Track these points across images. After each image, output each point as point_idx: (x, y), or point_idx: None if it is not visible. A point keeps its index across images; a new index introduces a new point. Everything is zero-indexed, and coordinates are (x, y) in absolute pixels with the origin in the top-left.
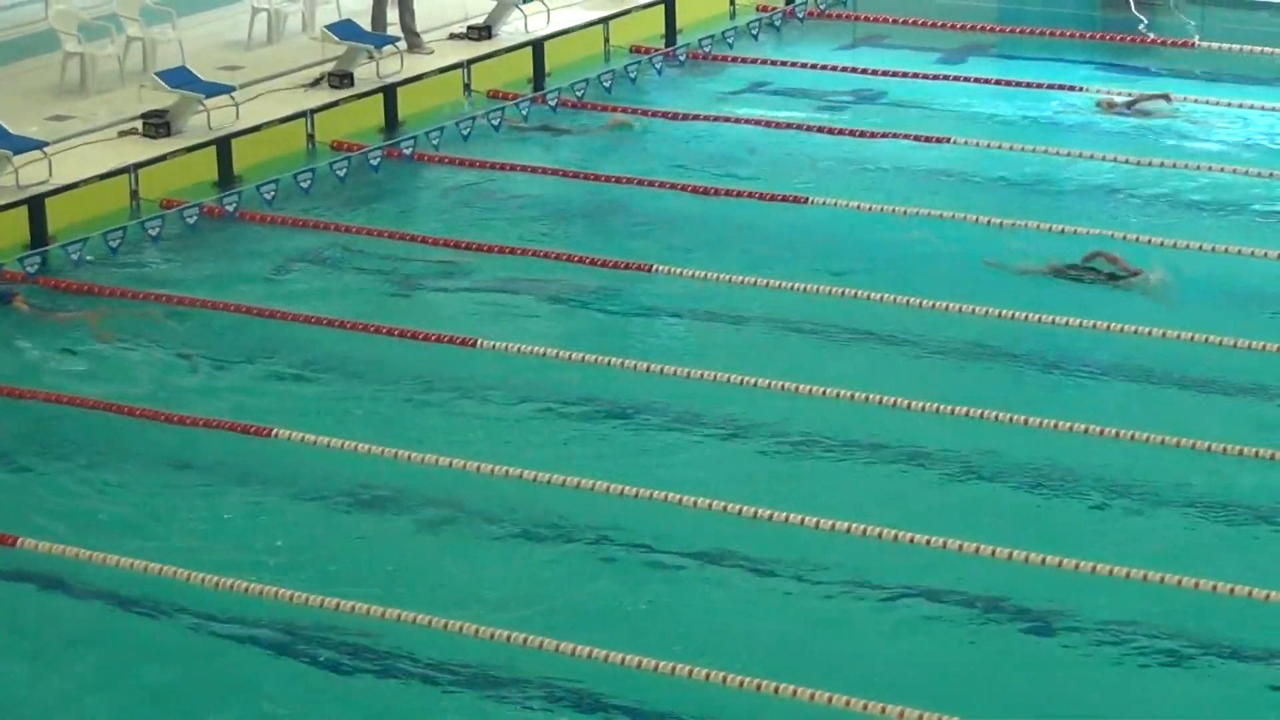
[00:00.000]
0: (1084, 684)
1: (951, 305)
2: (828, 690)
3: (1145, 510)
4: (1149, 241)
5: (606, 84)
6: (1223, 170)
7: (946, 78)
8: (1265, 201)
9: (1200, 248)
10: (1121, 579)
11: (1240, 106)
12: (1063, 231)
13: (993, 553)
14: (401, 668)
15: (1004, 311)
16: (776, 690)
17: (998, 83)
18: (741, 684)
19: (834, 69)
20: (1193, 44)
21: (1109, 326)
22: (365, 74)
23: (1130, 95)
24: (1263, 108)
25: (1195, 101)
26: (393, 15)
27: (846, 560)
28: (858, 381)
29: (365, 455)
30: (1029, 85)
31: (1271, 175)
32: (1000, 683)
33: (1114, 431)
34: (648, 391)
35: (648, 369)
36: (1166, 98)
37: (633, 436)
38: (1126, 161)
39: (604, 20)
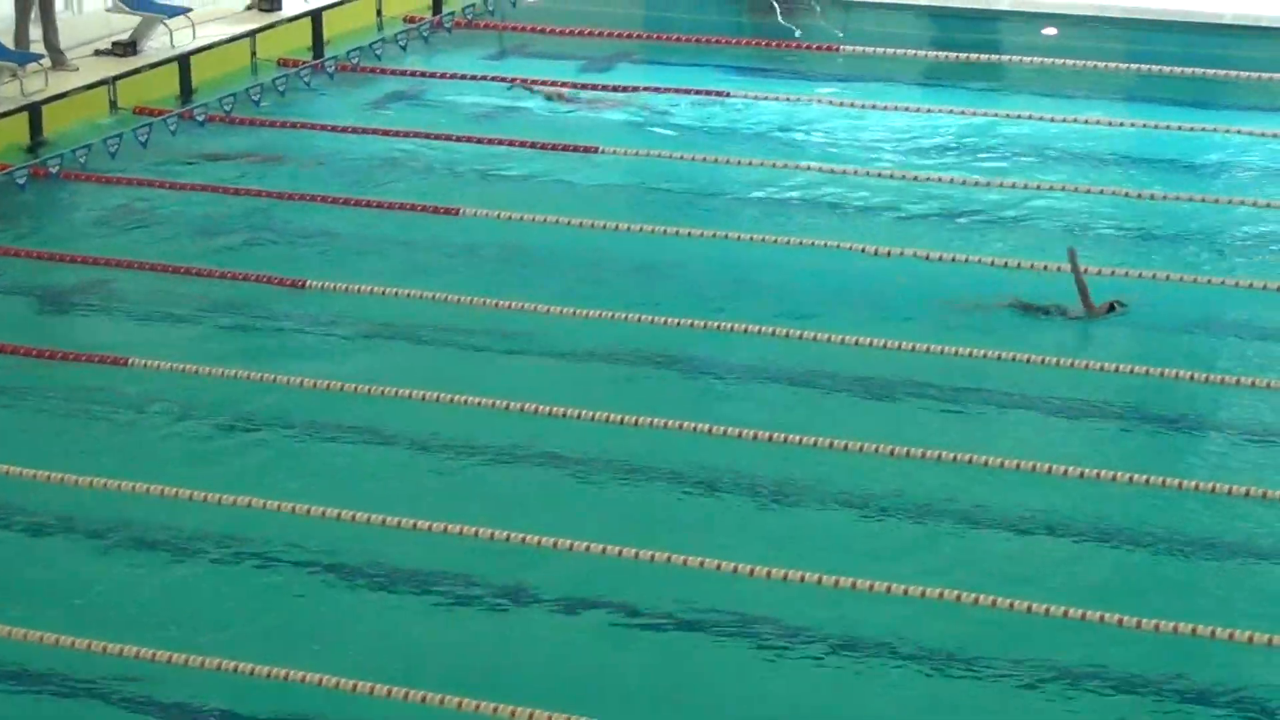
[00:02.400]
0: (754, 690)
1: (605, 313)
2: (521, 705)
3: (798, 511)
4: (796, 243)
5: (255, 98)
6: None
7: (594, 86)
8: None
9: (815, 243)
10: (796, 583)
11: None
12: (714, 236)
13: (635, 554)
14: (36, 688)
15: (669, 320)
16: (463, 705)
17: (645, 90)
18: (406, 695)
19: (482, 79)
20: (838, 49)
21: (760, 330)
22: (9, 92)
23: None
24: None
25: (842, 104)
26: (35, 33)
27: (511, 570)
28: (511, 390)
29: (16, 479)
30: (676, 91)
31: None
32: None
33: (766, 435)
34: (301, 407)
35: (300, 384)
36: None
37: (286, 452)
38: (774, 165)
39: (251, 34)
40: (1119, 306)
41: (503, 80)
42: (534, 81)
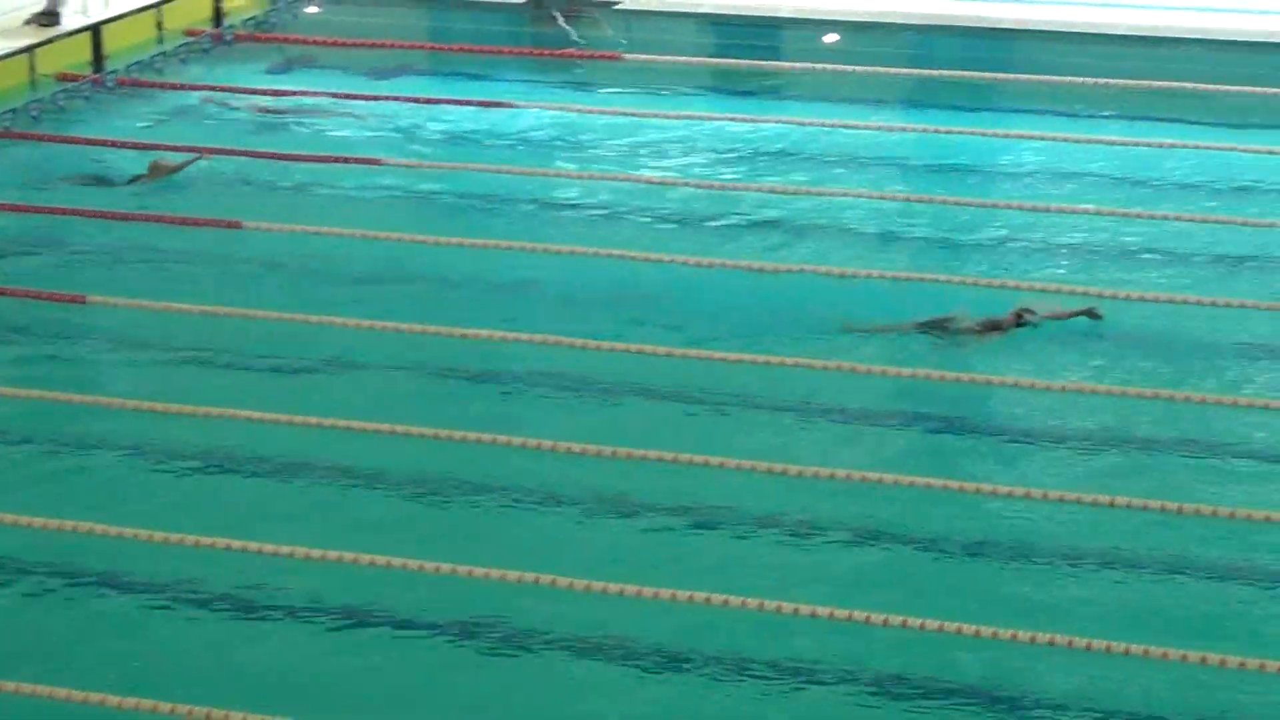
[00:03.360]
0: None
1: (392, 325)
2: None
3: (602, 522)
4: (582, 252)
5: (34, 114)
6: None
7: (377, 97)
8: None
9: (600, 253)
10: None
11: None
12: (499, 246)
13: (437, 569)
14: None
15: (458, 330)
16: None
17: (427, 101)
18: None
19: (264, 92)
20: (620, 57)
21: (546, 339)
22: None
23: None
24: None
25: (625, 113)
26: None
27: (307, 587)
28: (300, 405)
29: None
30: (459, 102)
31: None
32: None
33: (565, 446)
34: (84, 423)
35: (80, 402)
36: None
37: (75, 471)
38: (558, 175)
39: (29, 49)
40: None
41: (285, 93)
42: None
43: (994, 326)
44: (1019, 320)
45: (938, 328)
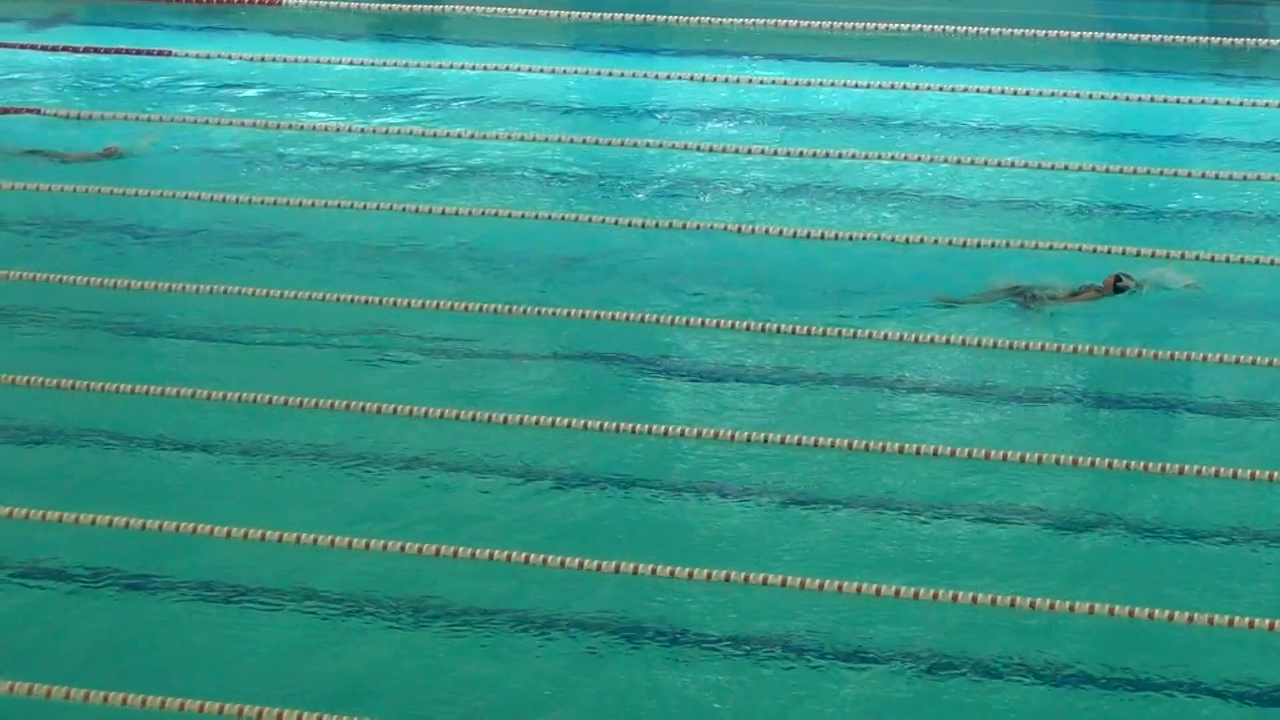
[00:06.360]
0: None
1: (202, 286)
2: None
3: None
4: (240, 200)
5: None
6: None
7: (34, 46)
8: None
9: (260, 200)
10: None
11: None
12: (153, 196)
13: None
14: None
15: (111, 280)
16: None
17: (85, 50)
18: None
19: None
20: (280, 3)
21: (213, 288)
22: None
23: None
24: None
25: (285, 60)
26: None
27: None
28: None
29: None
30: (118, 51)
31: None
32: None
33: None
34: None
35: None
36: None
37: None
38: (218, 123)
39: None
40: (1127, 281)
41: None
42: None
43: (1084, 291)
44: (1117, 286)
45: (1023, 295)
